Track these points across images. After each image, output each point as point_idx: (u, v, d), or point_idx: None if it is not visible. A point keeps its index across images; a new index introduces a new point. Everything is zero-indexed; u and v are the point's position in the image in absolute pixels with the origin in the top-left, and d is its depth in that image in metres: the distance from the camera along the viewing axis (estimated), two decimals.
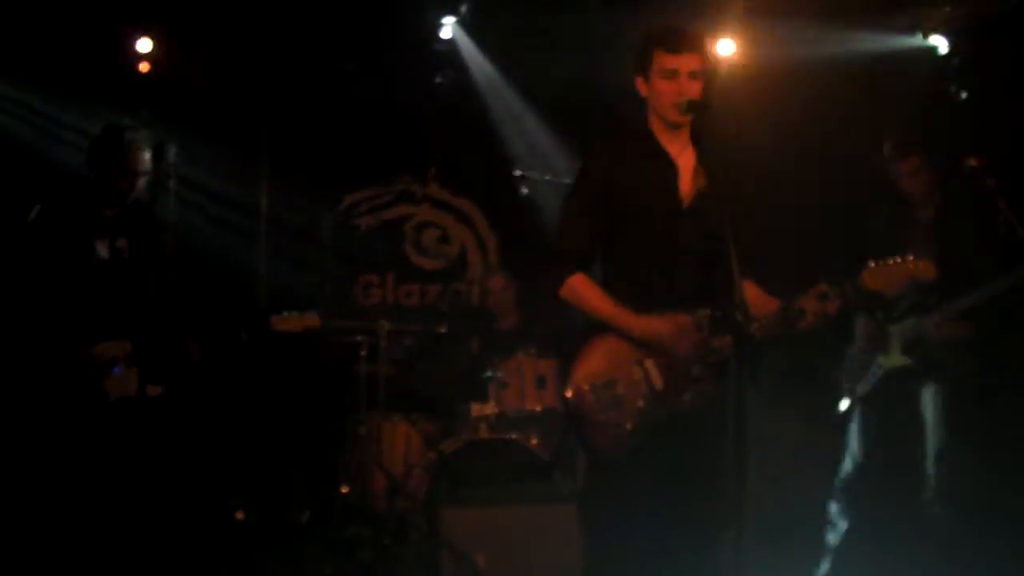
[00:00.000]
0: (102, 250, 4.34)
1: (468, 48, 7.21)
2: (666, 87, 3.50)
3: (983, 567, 4.77)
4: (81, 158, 4.59)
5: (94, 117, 6.03)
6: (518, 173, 6.74)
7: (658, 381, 3.48)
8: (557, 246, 3.65)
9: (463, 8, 7.00)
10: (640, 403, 3.46)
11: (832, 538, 5.06)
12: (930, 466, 4.94)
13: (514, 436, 5.75)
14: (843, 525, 5.04)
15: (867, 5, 6.46)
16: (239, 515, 6.07)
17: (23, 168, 6.38)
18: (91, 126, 5.84)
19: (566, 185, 4.06)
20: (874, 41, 6.67)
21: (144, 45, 6.60)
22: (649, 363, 3.48)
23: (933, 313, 4.82)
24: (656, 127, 3.61)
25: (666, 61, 3.49)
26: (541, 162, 7.15)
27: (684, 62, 3.48)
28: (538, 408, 6.00)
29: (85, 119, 6.27)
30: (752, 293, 3.43)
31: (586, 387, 3.49)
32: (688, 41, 3.50)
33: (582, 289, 3.57)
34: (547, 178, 6.73)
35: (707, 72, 3.52)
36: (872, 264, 3.41)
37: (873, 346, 5.01)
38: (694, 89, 3.47)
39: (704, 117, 3.47)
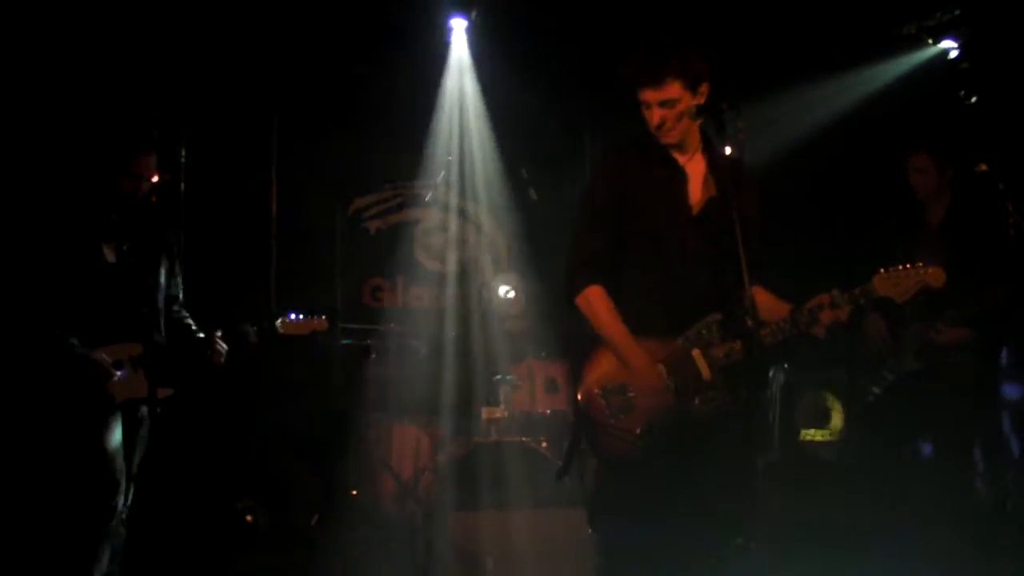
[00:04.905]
0: (108, 254, 4.32)
1: (476, 51, 7.23)
2: (647, 116, 3.52)
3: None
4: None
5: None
6: (526, 176, 6.74)
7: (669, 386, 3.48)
8: (574, 256, 3.63)
9: (472, 12, 7.02)
10: (650, 408, 3.46)
11: None
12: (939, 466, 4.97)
13: (524, 439, 5.75)
14: None
15: (876, 10, 6.46)
16: (248, 518, 6.08)
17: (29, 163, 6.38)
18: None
19: (577, 192, 4.05)
20: (884, 47, 6.67)
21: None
22: (660, 368, 3.48)
23: (936, 319, 4.82)
24: None
25: (638, 94, 3.49)
26: (546, 166, 7.15)
27: (650, 95, 3.46)
28: (548, 411, 6.00)
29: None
30: (763, 299, 3.43)
31: (596, 391, 3.50)
32: (648, 74, 3.44)
33: (596, 303, 3.55)
34: (552, 182, 6.75)
35: (683, 96, 3.43)
36: (883, 271, 3.41)
37: (887, 349, 5.01)
38: (670, 116, 3.45)
39: (713, 123, 3.45)
